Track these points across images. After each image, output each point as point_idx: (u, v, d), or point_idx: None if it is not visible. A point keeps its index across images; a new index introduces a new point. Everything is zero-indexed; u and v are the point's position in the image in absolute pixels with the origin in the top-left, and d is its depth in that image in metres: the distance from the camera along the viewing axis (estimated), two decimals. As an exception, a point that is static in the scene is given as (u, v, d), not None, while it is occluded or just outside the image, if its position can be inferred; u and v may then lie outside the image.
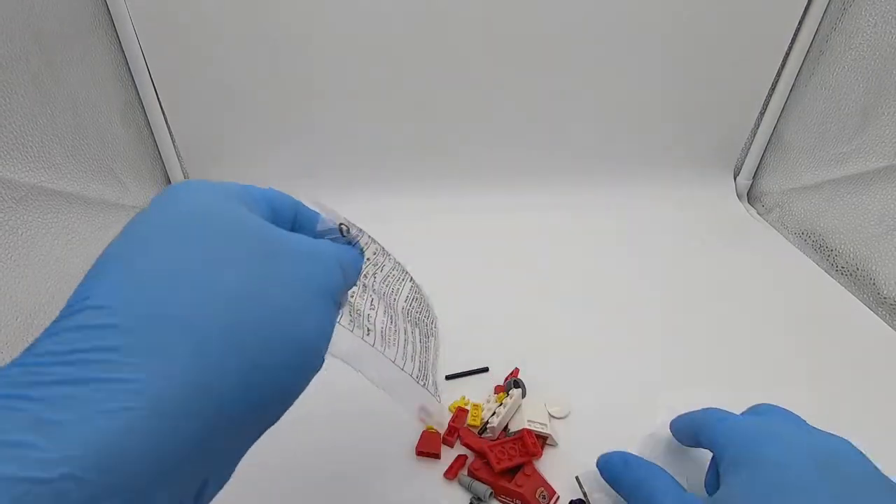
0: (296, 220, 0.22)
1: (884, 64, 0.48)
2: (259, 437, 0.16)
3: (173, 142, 0.57)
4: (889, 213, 0.48)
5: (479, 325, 0.43)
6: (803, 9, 0.53)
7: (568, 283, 0.49)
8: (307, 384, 0.17)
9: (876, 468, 0.21)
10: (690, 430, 0.27)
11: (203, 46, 0.51)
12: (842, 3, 0.52)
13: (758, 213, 0.63)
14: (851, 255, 0.51)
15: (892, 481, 0.21)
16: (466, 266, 0.52)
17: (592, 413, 0.36)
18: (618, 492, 0.27)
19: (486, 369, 0.39)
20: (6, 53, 0.37)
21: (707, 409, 0.27)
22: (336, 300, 0.19)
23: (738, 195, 0.65)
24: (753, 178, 0.65)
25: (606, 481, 0.28)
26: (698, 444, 0.27)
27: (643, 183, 0.63)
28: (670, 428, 0.30)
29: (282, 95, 0.55)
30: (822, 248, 0.55)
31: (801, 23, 0.54)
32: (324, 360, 0.18)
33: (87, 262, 0.44)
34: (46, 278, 0.40)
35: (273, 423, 0.17)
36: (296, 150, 0.59)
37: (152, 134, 0.56)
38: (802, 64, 0.56)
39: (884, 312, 0.47)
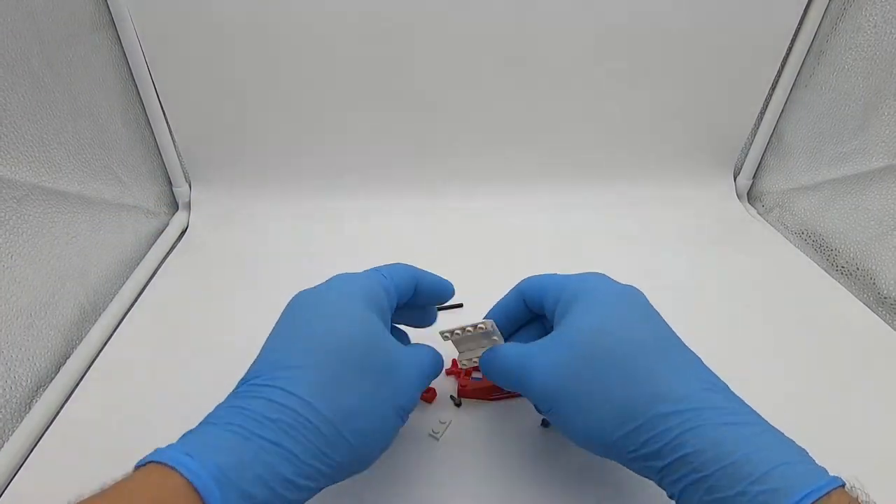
0: (417, 291, 0.32)
1: (884, 64, 0.48)
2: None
3: (173, 142, 0.57)
4: (889, 213, 0.48)
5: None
6: (803, 9, 0.53)
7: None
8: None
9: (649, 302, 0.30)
10: (526, 301, 0.32)
11: (204, 46, 0.51)
12: (842, 3, 0.52)
13: (758, 213, 0.63)
14: (851, 255, 0.51)
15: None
16: (464, 265, 0.52)
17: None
18: (498, 381, 0.31)
19: (460, 305, 0.46)
20: (7, 53, 0.37)
21: (518, 287, 0.33)
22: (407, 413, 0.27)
23: (738, 195, 0.64)
24: (753, 178, 0.65)
25: (491, 377, 0.31)
26: (530, 310, 0.33)
27: (643, 183, 0.63)
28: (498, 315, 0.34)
29: (283, 95, 0.55)
30: (822, 248, 0.55)
31: (801, 23, 0.54)
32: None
33: (87, 261, 0.44)
34: (47, 278, 0.40)
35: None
36: (296, 150, 0.59)
37: (153, 134, 0.56)
38: (802, 64, 0.56)
39: (884, 312, 0.47)
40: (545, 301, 0.31)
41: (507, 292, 0.34)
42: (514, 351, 0.29)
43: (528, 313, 0.33)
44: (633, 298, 0.29)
